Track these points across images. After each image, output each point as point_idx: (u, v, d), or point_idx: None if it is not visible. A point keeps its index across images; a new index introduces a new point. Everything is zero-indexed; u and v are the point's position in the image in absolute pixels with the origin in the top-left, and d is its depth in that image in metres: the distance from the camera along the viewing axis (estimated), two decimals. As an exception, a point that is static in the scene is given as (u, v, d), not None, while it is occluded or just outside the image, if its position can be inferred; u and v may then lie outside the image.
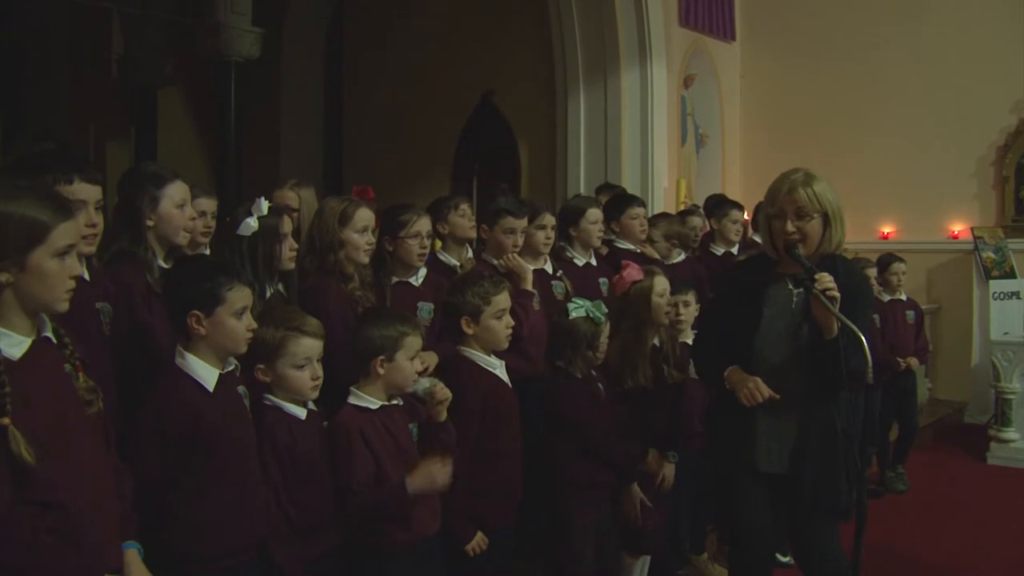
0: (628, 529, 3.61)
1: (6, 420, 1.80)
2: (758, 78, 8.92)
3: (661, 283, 3.81)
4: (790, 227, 2.96)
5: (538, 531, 3.61)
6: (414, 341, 2.87)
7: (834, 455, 2.96)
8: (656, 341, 3.81)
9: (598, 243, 4.55)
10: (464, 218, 4.31)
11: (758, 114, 8.91)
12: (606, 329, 3.51)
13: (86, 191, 2.45)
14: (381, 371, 2.83)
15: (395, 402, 2.92)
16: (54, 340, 1.97)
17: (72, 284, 1.95)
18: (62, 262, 1.90)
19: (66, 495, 1.89)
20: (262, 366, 2.63)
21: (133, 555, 2.11)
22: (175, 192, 2.91)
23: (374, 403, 2.85)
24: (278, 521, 2.58)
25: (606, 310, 3.51)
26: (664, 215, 5.67)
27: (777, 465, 3.04)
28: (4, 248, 1.83)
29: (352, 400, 2.85)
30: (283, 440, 2.62)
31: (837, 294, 2.82)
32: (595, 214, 4.50)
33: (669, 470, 3.75)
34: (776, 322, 3.03)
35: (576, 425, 3.43)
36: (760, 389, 2.96)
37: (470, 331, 3.17)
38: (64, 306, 1.94)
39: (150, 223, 2.86)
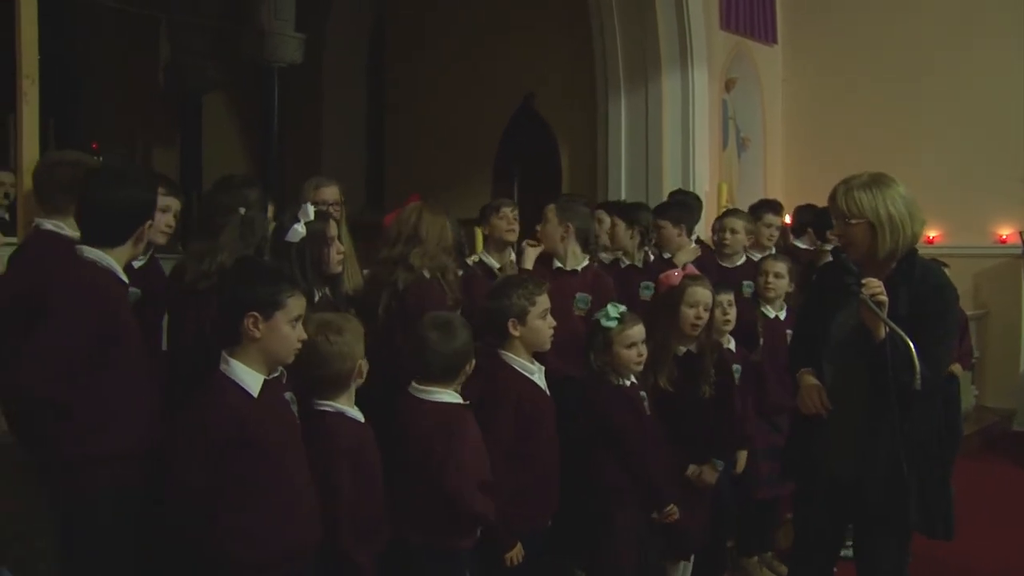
0: (669, 531, 3.56)
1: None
2: (800, 81, 8.81)
3: (695, 293, 3.67)
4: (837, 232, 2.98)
5: (580, 534, 3.60)
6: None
7: (899, 467, 2.82)
8: (693, 348, 3.72)
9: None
10: (503, 220, 4.34)
11: (800, 118, 8.81)
12: (631, 334, 3.42)
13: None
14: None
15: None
16: None
17: None
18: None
19: None
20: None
21: None
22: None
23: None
24: (349, 525, 2.59)
25: (615, 314, 3.44)
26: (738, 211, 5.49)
27: (844, 461, 2.97)
28: None
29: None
30: (351, 444, 2.64)
31: (884, 299, 2.76)
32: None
33: (711, 476, 3.71)
34: (847, 326, 2.96)
35: (612, 429, 3.40)
36: (813, 399, 2.95)
37: (516, 333, 3.19)
38: None
39: None
